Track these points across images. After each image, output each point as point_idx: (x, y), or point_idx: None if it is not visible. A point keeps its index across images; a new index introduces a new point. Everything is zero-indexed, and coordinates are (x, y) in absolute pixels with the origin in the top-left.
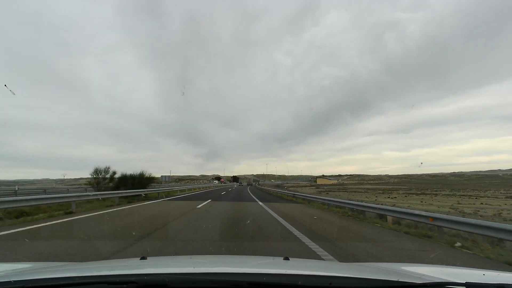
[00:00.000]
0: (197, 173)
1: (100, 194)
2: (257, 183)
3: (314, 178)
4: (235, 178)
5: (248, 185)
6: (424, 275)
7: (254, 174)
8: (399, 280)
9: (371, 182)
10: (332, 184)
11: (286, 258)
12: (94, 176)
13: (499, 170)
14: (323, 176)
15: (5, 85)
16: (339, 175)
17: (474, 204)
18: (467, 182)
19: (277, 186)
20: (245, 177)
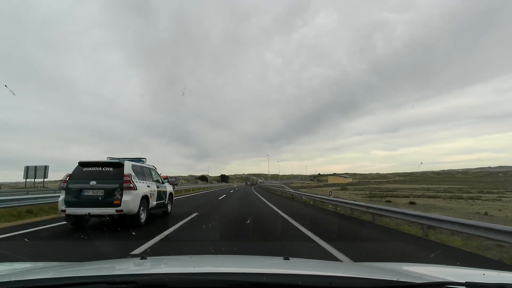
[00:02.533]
0: (186, 173)
1: None
2: (256, 183)
3: (312, 177)
4: (223, 178)
5: (252, 185)
6: (424, 275)
7: (245, 173)
8: (399, 280)
9: (385, 181)
10: (349, 183)
11: (286, 258)
12: None
13: (489, 167)
14: (335, 174)
15: (5, 86)
16: (334, 174)
17: None
18: (478, 179)
19: (285, 186)
20: (235, 177)
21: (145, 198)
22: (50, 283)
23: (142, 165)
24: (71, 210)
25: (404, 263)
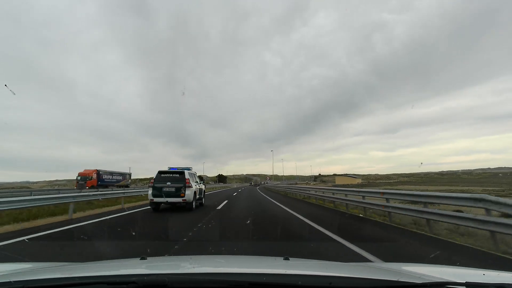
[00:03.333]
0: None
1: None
2: (259, 183)
3: (314, 177)
4: (220, 178)
5: (255, 185)
6: (424, 275)
7: (244, 174)
8: (399, 280)
9: (393, 182)
10: (360, 184)
11: (286, 258)
12: None
13: (488, 168)
14: (345, 175)
15: (5, 85)
16: (335, 174)
17: None
18: (487, 180)
19: (293, 187)
20: (234, 177)
21: (195, 193)
22: (50, 283)
23: (191, 171)
24: (156, 199)
25: (404, 263)
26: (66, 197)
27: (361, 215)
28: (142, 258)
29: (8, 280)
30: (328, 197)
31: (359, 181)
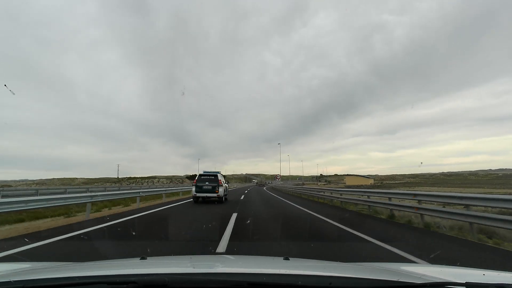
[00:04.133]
0: (183, 173)
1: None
2: (265, 183)
3: (315, 178)
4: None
5: (260, 185)
6: (424, 275)
7: (244, 173)
8: (399, 280)
9: (408, 183)
10: (373, 185)
11: (286, 258)
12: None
13: (489, 169)
14: (355, 176)
15: (5, 85)
16: (336, 175)
17: None
18: (497, 181)
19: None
20: (233, 177)
21: (224, 190)
22: (50, 283)
23: (221, 174)
24: (198, 194)
25: (404, 263)
26: (84, 196)
27: (388, 218)
28: (142, 258)
29: (8, 280)
30: (350, 199)
31: (371, 181)
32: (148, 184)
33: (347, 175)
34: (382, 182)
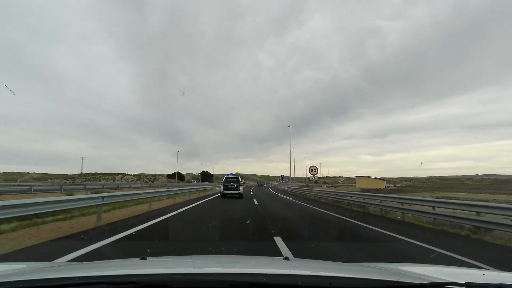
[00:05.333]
0: (172, 172)
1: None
2: (263, 184)
3: (308, 179)
4: (205, 176)
5: (260, 185)
6: (424, 275)
7: (234, 173)
8: (399, 280)
9: (415, 186)
10: (387, 189)
11: (286, 258)
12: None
13: (476, 175)
14: (367, 177)
15: (5, 85)
16: (328, 176)
17: None
18: (500, 186)
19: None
20: (223, 176)
21: (242, 189)
22: (50, 283)
23: (239, 177)
24: (225, 191)
25: (404, 263)
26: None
27: (431, 227)
28: (142, 258)
29: (8, 280)
30: (390, 207)
31: (384, 184)
32: (106, 181)
33: (358, 176)
34: (395, 185)
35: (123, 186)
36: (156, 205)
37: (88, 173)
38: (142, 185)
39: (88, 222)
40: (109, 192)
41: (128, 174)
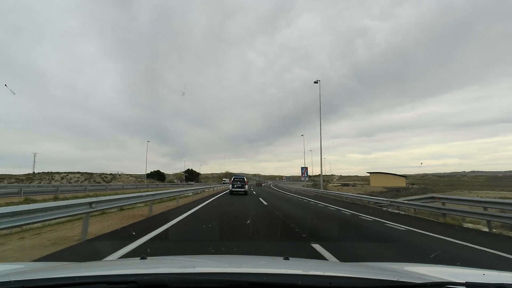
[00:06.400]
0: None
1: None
2: (262, 183)
3: (312, 178)
4: (190, 176)
5: (258, 184)
6: (424, 275)
7: (224, 172)
8: (400, 280)
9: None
10: (407, 188)
11: (286, 258)
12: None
13: (463, 171)
14: (383, 174)
15: (5, 85)
16: (319, 175)
17: None
18: (503, 183)
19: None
20: (212, 176)
21: (247, 187)
22: (50, 283)
23: (245, 177)
24: (233, 189)
25: (404, 263)
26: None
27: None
28: (142, 258)
29: (8, 280)
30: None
31: (405, 182)
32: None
33: (372, 173)
34: (412, 184)
35: (45, 190)
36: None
37: (41, 172)
38: (88, 188)
39: None
40: None
41: (72, 173)
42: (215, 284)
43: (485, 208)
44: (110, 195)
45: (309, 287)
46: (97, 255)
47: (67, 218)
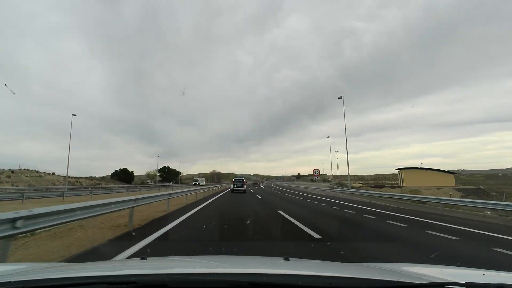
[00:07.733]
0: (144, 173)
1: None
2: (259, 183)
3: (295, 177)
4: (166, 176)
5: (255, 184)
6: (424, 275)
7: (211, 171)
8: (399, 280)
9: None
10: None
11: (286, 258)
12: None
13: (450, 170)
14: (423, 169)
15: (5, 85)
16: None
17: None
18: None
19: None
20: (199, 176)
21: (246, 186)
22: (50, 283)
23: (243, 178)
24: (233, 188)
25: (404, 264)
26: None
27: None
28: (142, 258)
29: (8, 280)
30: None
31: (453, 181)
32: None
33: (402, 168)
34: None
35: None
36: None
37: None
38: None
39: None
40: None
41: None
42: (215, 285)
43: None
44: None
45: (309, 287)
46: None
47: None
